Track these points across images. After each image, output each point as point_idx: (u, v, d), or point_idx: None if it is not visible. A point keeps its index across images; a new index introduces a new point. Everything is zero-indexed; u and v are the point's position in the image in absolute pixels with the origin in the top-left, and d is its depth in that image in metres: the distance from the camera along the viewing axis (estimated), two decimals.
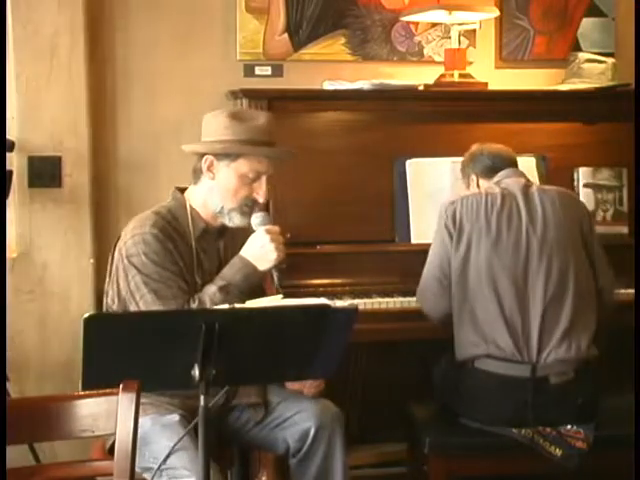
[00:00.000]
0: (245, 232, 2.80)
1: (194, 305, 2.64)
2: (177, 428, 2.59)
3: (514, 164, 3.20)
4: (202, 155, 2.79)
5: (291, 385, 2.83)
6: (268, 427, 2.79)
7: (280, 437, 2.77)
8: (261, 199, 2.78)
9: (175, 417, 2.64)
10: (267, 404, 2.82)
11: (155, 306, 2.62)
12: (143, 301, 2.64)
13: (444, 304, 3.01)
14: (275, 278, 2.74)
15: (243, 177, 2.76)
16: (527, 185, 3.09)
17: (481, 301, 2.93)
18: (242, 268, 2.72)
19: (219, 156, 2.76)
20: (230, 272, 2.73)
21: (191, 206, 2.80)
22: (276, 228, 2.77)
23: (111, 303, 2.74)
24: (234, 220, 2.79)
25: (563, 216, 3.01)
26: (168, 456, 2.46)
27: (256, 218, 2.77)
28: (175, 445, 2.44)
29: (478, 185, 3.20)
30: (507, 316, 2.91)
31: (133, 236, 2.69)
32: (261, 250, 2.72)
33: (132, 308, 2.66)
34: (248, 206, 2.78)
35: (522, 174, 3.17)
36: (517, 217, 2.99)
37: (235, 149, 2.75)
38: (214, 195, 2.79)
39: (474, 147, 3.25)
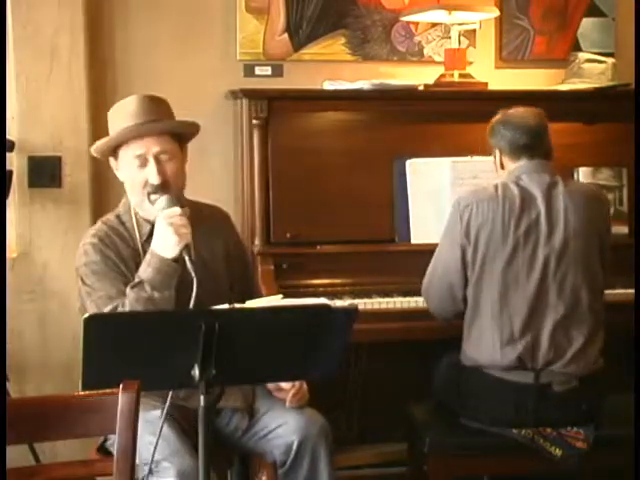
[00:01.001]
0: (198, 216, 2.76)
1: (122, 309, 2.60)
2: (159, 423, 2.58)
3: (542, 135, 2.97)
4: None
5: (277, 393, 2.78)
6: (255, 438, 2.78)
7: (267, 448, 2.75)
8: (155, 181, 2.69)
9: (157, 413, 2.63)
10: (253, 411, 2.79)
11: None
12: (89, 311, 2.64)
13: (450, 307, 2.99)
14: (187, 262, 2.53)
15: (131, 165, 2.71)
16: (552, 183, 2.93)
17: (490, 320, 2.88)
18: (151, 261, 2.62)
19: (111, 155, 2.77)
20: (143, 268, 2.65)
21: (134, 209, 2.78)
22: (174, 210, 2.63)
23: (80, 311, 2.76)
24: (149, 213, 2.73)
25: (586, 223, 2.91)
26: (153, 458, 2.46)
27: (159, 203, 2.67)
28: (156, 445, 2.42)
29: (502, 164, 3.02)
30: (516, 336, 2.87)
31: (79, 247, 2.76)
32: (162, 238, 2.60)
33: None
34: (153, 193, 2.70)
35: (546, 167, 2.97)
36: (535, 230, 2.87)
37: (106, 141, 2.75)
38: (129, 194, 2.78)
39: (498, 115, 3.04)
